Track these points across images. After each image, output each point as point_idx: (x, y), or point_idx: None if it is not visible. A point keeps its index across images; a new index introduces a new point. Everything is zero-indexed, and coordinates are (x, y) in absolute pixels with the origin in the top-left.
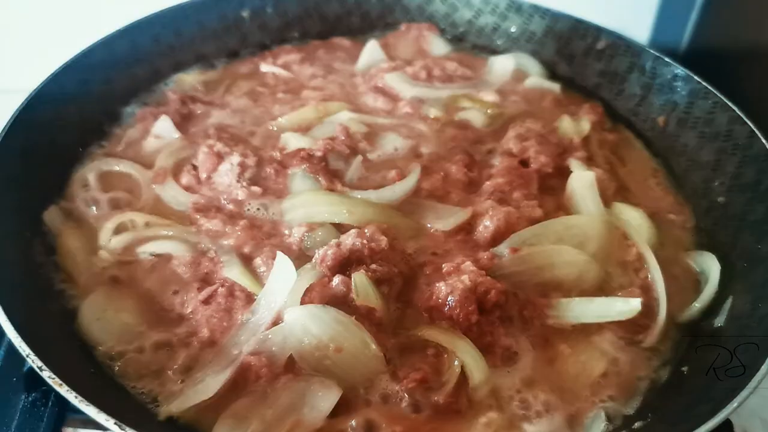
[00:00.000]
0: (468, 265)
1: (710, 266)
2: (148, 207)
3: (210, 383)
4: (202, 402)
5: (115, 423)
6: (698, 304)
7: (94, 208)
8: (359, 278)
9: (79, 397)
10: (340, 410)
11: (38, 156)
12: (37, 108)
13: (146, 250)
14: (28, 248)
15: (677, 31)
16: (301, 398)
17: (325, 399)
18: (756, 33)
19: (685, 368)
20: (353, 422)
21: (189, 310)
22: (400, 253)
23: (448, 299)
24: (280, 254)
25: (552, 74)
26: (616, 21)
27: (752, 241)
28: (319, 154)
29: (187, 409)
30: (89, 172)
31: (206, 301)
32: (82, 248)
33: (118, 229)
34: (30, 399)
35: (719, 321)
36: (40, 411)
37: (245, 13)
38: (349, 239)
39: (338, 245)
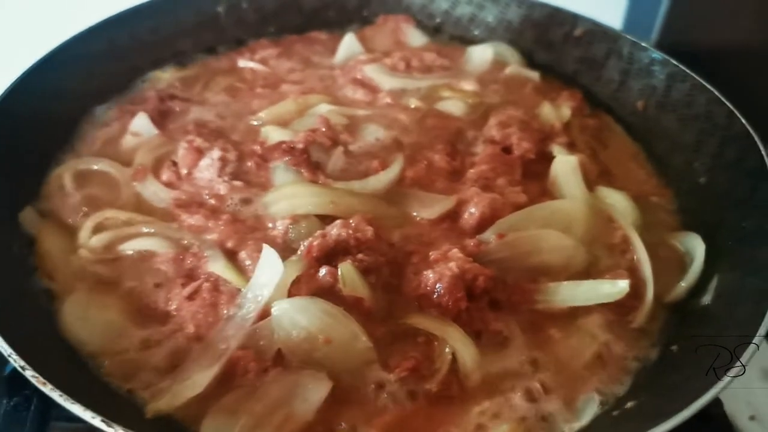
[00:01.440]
0: (455, 252)
1: (695, 246)
2: (128, 205)
3: (198, 379)
4: (191, 398)
5: (102, 420)
6: (685, 284)
7: (72, 207)
8: (345, 268)
9: (64, 395)
10: (332, 402)
11: (13, 156)
12: (11, 107)
13: (128, 248)
14: (7, 249)
15: (648, 22)
16: (292, 391)
17: (315, 391)
18: (726, 23)
19: (674, 347)
20: (344, 414)
21: (174, 306)
22: (386, 243)
23: (437, 287)
24: (266, 247)
25: (531, 62)
26: (586, 12)
27: (736, 219)
28: (300, 146)
29: (175, 406)
30: (65, 172)
31: (191, 297)
32: (61, 248)
33: (98, 228)
34: (12, 404)
35: (706, 299)
36: (22, 415)
37: (221, 8)
38: (334, 230)
39: (324, 236)
